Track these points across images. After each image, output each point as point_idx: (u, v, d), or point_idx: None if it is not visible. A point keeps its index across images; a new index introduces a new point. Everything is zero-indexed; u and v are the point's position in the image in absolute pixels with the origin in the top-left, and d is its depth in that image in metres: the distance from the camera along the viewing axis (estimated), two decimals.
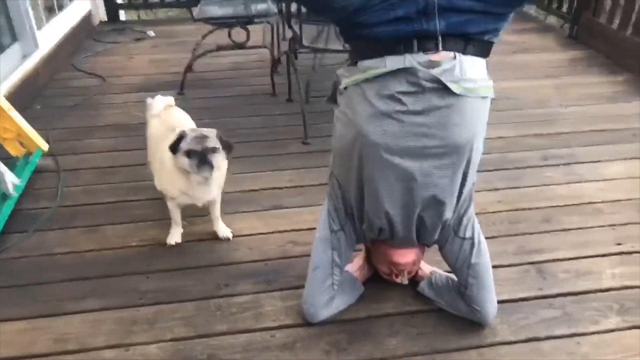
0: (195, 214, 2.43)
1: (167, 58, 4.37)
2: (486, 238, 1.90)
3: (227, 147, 2.05)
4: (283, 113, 3.42)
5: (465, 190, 1.65)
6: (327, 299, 1.83)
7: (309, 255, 1.90)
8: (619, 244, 2.26)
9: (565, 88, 3.72)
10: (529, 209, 2.49)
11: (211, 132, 2.02)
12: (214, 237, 2.31)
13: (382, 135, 1.51)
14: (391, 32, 1.45)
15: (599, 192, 2.60)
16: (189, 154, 1.96)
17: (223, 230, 2.29)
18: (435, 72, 1.47)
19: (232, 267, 2.15)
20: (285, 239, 2.29)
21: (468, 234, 1.75)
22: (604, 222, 2.39)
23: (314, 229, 1.88)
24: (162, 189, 2.20)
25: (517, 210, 2.48)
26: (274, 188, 2.64)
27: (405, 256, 1.80)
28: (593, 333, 1.85)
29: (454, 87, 1.46)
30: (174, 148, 1.98)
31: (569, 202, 2.53)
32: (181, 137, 1.99)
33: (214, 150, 1.98)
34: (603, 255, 2.20)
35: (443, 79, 1.46)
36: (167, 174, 2.10)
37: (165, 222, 2.39)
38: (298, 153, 2.96)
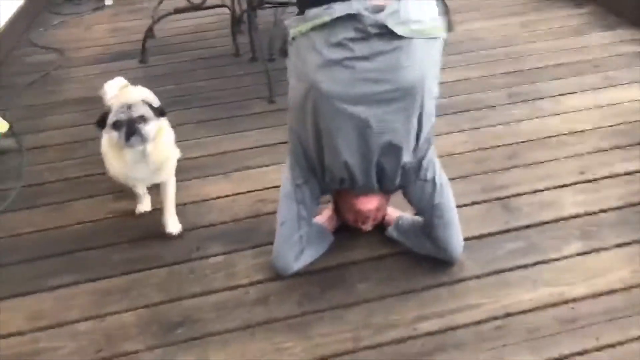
0: None
1: (127, 26, 4.25)
2: (453, 179, 1.93)
3: (159, 113, 1.92)
4: (247, 73, 3.37)
5: (423, 134, 1.65)
6: (296, 252, 1.85)
7: (277, 213, 1.91)
8: (582, 173, 2.30)
9: (530, 25, 3.69)
10: (495, 146, 2.51)
11: (138, 100, 1.88)
12: (186, 202, 2.30)
13: (334, 84, 1.50)
14: None
15: (563, 124, 2.63)
16: (115, 125, 1.83)
17: (172, 224, 2.09)
18: (380, 16, 1.45)
19: (203, 230, 2.16)
20: (254, 199, 2.30)
21: (429, 176, 1.76)
22: (568, 153, 2.42)
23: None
24: (109, 172, 2.07)
25: (483, 149, 2.50)
26: (240, 149, 2.63)
27: (368, 203, 1.82)
28: (556, 259, 1.91)
29: (399, 30, 1.44)
30: (101, 123, 1.85)
31: (533, 137, 2.55)
32: (107, 111, 1.87)
33: (142, 118, 1.83)
34: (566, 185, 2.24)
35: (388, 22, 1.44)
36: (105, 154, 2.00)
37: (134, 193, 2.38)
38: (264, 112, 2.94)
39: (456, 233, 1.85)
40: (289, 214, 1.81)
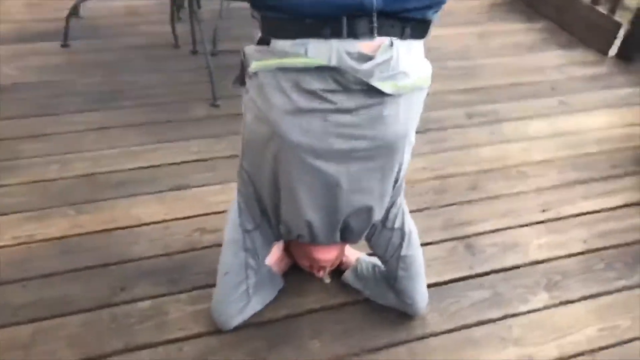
0: (86, 199, 2.07)
1: (45, 1, 3.72)
2: (412, 211, 1.73)
3: None
4: (187, 69, 3.01)
5: (396, 187, 1.44)
6: (240, 307, 1.60)
7: (219, 245, 1.64)
8: (544, 211, 2.19)
9: (486, 37, 3.58)
10: (455, 175, 2.36)
11: None
12: (110, 227, 1.97)
13: (303, 135, 1.23)
14: (316, 3, 1.13)
15: (522, 153, 2.52)
16: None
17: None
18: (366, 67, 1.17)
19: (129, 265, 1.85)
20: (191, 227, 2.00)
21: (397, 224, 1.56)
22: (529, 187, 2.31)
23: (225, 211, 1.62)
24: None
25: (443, 177, 2.34)
26: (178, 163, 2.31)
27: (327, 253, 1.59)
28: (523, 313, 1.78)
29: (386, 88, 1.19)
30: None
31: (494, 165, 2.42)
32: None
33: None
34: (529, 224, 2.13)
35: (374, 78, 1.17)
36: None
37: (46, 210, 2.02)
38: (206, 118, 2.62)
39: (421, 287, 1.67)
40: (234, 264, 1.54)
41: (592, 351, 1.67)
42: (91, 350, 1.58)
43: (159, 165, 2.30)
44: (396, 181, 1.40)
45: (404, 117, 1.26)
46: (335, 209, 1.36)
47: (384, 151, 1.28)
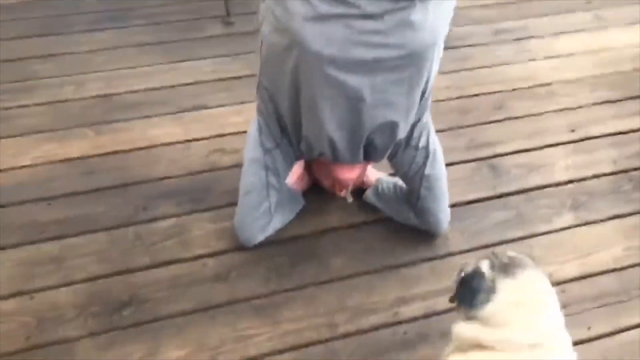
0: (103, 120, 2.05)
1: None
2: (436, 131, 1.68)
3: None
4: None
5: (422, 101, 1.37)
6: (263, 224, 1.60)
7: (239, 166, 1.63)
8: (572, 131, 2.12)
9: None
10: (480, 94, 2.27)
11: None
12: (129, 148, 1.96)
13: (326, 44, 1.16)
14: None
15: (552, 71, 2.40)
16: None
17: None
18: None
19: (150, 185, 1.85)
20: (210, 147, 1.98)
21: (422, 144, 1.51)
22: (558, 106, 2.22)
23: (245, 132, 1.59)
24: None
25: (467, 97, 2.25)
26: (193, 83, 2.25)
27: (349, 172, 1.56)
28: (545, 233, 1.76)
29: None
30: None
31: (521, 84, 2.32)
32: None
33: None
34: (557, 145, 2.06)
35: None
36: None
37: (64, 131, 2.01)
38: (219, 36, 2.52)
39: (444, 206, 1.65)
40: (255, 183, 1.52)
41: (618, 270, 1.66)
42: (119, 265, 1.61)
43: (173, 86, 2.24)
44: (423, 94, 1.34)
45: (433, 24, 1.18)
46: (358, 124, 1.31)
47: (410, 61, 1.21)
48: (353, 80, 1.21)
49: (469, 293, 1.07)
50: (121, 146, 1.97)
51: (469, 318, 1.07)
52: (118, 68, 2.30)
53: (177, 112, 2.12)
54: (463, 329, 1.06)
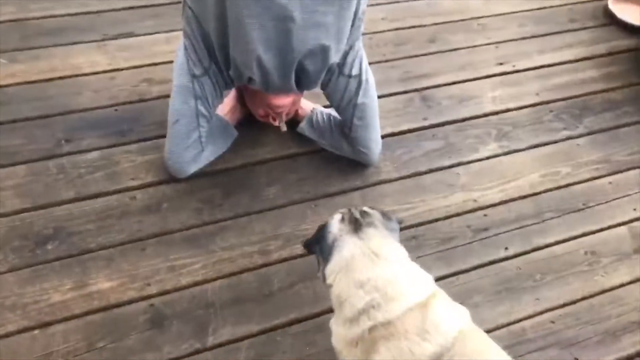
0: (19, 46, 1.90)
1: None
2: (371, 63, 1.69)
3: None
4: None
5: (355, 25, 1.35)
6: (194, 154, 1.57)
7: (168, 96, 1.57)
8: (500, 64, 2.18)
9: None
10: (415, 26, 2.27)
11: None
12: (48, 77, 1.83)
13: None
14: None
15: (484, 5, 2.43)
16: None
17: None
18: None
19: (73, 116, 1.75)
20: (138, 77, 1.89)
21: (354, 72, 1.51)
22: (488, 40, 2.27)
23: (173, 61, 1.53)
24: None
25: (402, 28, 2.25)
26: (118, 9, 2.10)
27: (282, 98, 1.54)
28: (472, 162, 1.84)
29: None
30: None
31: (455, 17, 2.34)
32: None
33: None
34: (486, 77, 2.12)
35: None
36: None
37: None
38: None
39: (376, 136, 1.67)
40: (184, 111, 1.48)
41: (534, 195, 1.77)
42: (41, 199, 1.54)
43: (96, 12, 2.09)
44: (354, 20, 1.32)
45: None
46: (288, 46, 1.28)
47: None
48: None
49: (316, 245, 1.16)
50: (40, 75, 1.85)
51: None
52: None
53: (102, 39, 1.99)
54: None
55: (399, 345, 0.99)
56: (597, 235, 1.69)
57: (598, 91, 2.12)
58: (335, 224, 1.15)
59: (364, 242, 1.09)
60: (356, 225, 1.12)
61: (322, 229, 1.16)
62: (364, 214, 1.16)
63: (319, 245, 1.15)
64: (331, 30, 1.29)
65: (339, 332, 1.08)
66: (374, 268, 1.06)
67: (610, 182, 1.84)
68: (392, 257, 1.10)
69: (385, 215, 1.20)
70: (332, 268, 1.11)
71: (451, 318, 1.04)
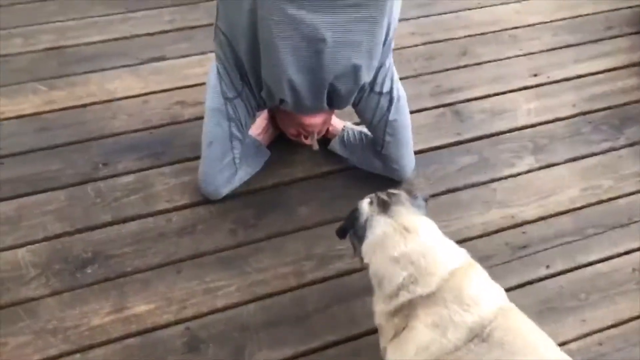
0: (57, 74, 1.96)
1: None
2: (401, 78, 1.67)
3: None
4: None
5: (386, 43, 1.34)
6: (227, 176, 1.58)
7: (201, 119, 1.59)
8: (534, 75, 2.13)
9: None
10: (444, 40, 2.25)
11: None
12: (85, 102, 1.88)
13: None
14: None
15: (514, 15, 2.39)
16: None
17: None
18: None
19: (109, 140, 1.79)
20: (171, 100, 1.92)
21: (385, 89, 1.50)
22: (521, 51, 2.23)
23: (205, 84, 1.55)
24: None
25: (432, 42, 2.23)
26: (151, 33, 2.15)
27: (314, 117, 1.53)
28: (508, 177, 1.80)
29: None
30: None
31: (485, 29, 2.31)
32: None
33: None
34: (519, 90, 2.08)
35: None
36: None
37: (14, 87, 1.92)
38: None
39: (408, 152, 1.65)
40: (218, 134, 1.49)
41: (575, 210, 1.71)
42: (80, 223, 1.57)
43: (130, 37, 2.15)
44: (386, 38, 1.31)
45: None
46: (319, 67, 1.28)
47: None
48: (312, 18, 1.17)
49: (350, 229, 1.22)
50: (77, 101, 1.90)
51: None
52: (70, 19, 2.18)
53: (135, 64, 2.04)
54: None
55: (439, 311, 1.01)
56: None
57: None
58: (365, 207, 1.19)
59: (394, 220, 1.13)
60: (385, 205, 1.16)
61: (353, 213, 1.21)
62: (390, 194, 1.21)
63: (352, 229, 1.20)
64: (362, 49, 1.29)
65: (381, 308, 1.11)
66: (407, 243, 1.10)
67: None
68: (422, 230, 1.13)
69: (412, 194, 1.25)
70: (367, 247, 1.15)
71: (490, 293, 1.06)
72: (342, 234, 1.26)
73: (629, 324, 1.47)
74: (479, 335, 0.98)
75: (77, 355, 1.34)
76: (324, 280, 1.51)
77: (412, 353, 1.01)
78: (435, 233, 1.15)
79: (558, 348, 1.03)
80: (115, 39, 2.12)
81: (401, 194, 1.21)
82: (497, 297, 1.07)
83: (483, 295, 1.04)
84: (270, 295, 1.48)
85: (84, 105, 1.89)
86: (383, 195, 1.19)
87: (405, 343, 1.03)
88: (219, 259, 1.54)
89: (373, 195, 1.22)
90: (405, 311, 1.04)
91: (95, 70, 2.00)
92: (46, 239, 1.54)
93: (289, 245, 1.58)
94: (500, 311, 1.03)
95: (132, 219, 1.60)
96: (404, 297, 1.05)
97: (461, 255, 1.12)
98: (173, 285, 1.47)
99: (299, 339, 1.40)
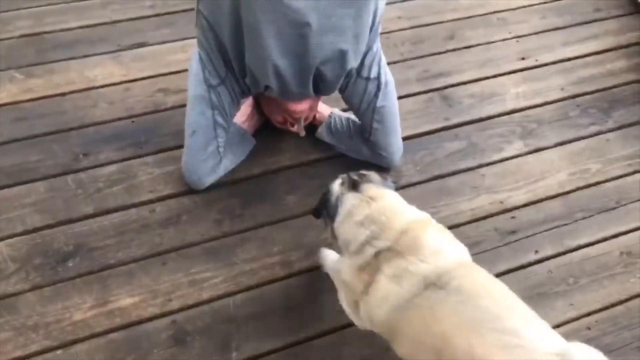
0: (35, 61, 1.90)
1: None
2: (388, 63, 1.64)
3: None
4: None
5: (373, 28, 1.31)
6: (212, 165, 1.54)
7: (184, 106, 1.55)
8: (522, 59, 2.11)
9: None
10: (432, 24, 2.21)
11: None
12: (65, 91, 1.83)
13: None
14: None
15: None
16: None
17: None
18: None
19: (89, 130, 1.74)
20: (153, 87, 1.87)
21: (373, 74, 1.46)
22: (509, 34, 2.20)
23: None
24: None
25: (420, 26, 2.19)
26: (131, 19, 2.09)
27: (300, 103, 1.50)
28: (497, 162, 1.78)
29: None
30: None
31: (473, 12, 2.27)
32: None
33: None
34: (508, 73, 2.05)
35: None
36: None
37: None
38: None
39: (396, 139, 1.63)
40: (201, 122, 1.45)
41: (563, 194, 1.70)
42: (61, 215, 1.54)
43: (110, 23, 2.08)
44: (373, 22, 1.28)
45: None
46: (305, 52, 1.24)
47: None
48: (297, 2, 1.13)
49: (323, 209, 1.26)
50: (56, 89, 1.84)
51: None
52: (47, 3, 2.11)
53: (116, 50, 1.98)
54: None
55: (398, 263, 1.08)
56: (631, 235, 1.63)
57: (628, 82, 2.04)
58: (336, 187, 1.25)
59: (362, 194, 1.20)
60: (355, 184, 1.22)
61: (325, 194, 1.26)
62: (361, 175, 1.26)
63: (325, 209, 1.25)
64: (348, 34, 1.25)
65: (347, 263, 1.17)
66: (370, 207, 1.17)
67: None
68: (387, 196, 1.20)
69: (382, 176, 1.29)
70: (337, 223, 1.21)
71: (451, 248, 1.12)
72: (316, 214, 1.31)
73: (617, 307, 1.48)
74: (435, 284, 1.02)
75: (59, 351, 1.31)
76: (312, 269, 1.49)
77: (375, 305, 1.08)
78: (399, 200, 1.21)
79: (520, 300, 1.04)
80: (95, 25, 2.06)
81: (372, 174, 1.26)
82: (459, 254, 1.12)
83: (442, 248, 1.10)
84: (257, 286, 1.45)
85: (63, 94, 1.83)
86: (354, 176, 1.24)
87: (372, 297, 1.09)
88: (205, 249, 1.51)
89: (345, 175, 1.26)
90: (373, 267, 1.10)
91: (74, 57, 1.94)
92: (25, 232, 1.50)
93: (276, 235, 1.56)
94: (461, 265, 1.08)
95: (115, 210, 1.56)
96: (368, 251, 1.11)
97: (424, 214, 1.19)
98: (158, 277, 1.44)
99: (287, 329, 1.39)
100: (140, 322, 1.37)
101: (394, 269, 1.07)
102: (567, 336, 1.38)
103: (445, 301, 0.99)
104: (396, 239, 1.10)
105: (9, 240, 1.48)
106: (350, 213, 1.17)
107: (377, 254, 1.10)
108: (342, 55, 1.29)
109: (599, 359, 0.93)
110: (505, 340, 0.91)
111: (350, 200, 1.19)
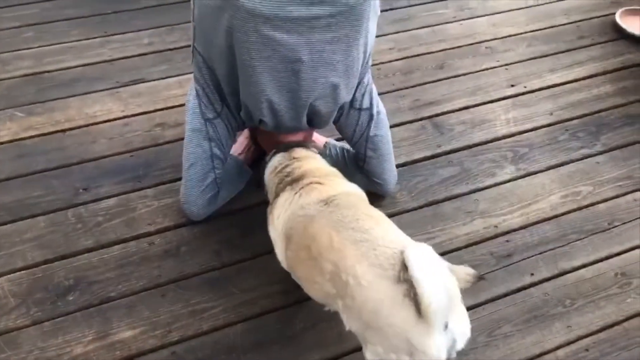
0: (35, 99, 1.95)
1: None
2: (380, 93, 1.69)
3: None
4: None
5: (363, 62, 1.36)
6: (210, 196, 1.57)
7: (182, 139, 1.59)
8: (512, 86, 2.17)
9: None
10: (422, 54, 2.28)
11: None
12: (65, 127, 1.87)
13: (260, 1, 1.12)
14: None
15: (490, 28, 2.44)
16: None
17: None
18: None
19: (89, 165, 1.78)
20: (151, 122, 1.91)
21: (365, 105, 1.51)
22: (497, 62, 2.27)
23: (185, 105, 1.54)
24: None
25: (410, 57, 2.26)
26: (129, 56, 2.16)
27: (295, 135, 1.54)
28: (490, 187, 1.81)
29: None
30: None
31: (462, 42, 2.35)
32: None
33: None
34: (497, 100, 2.11)
35: None
36: None
37: None
38: (155, 6, 2.41)
39: (390, 166, 1.66)
40: (199, 154, 1.49)
41: (556, 217, 1.73)
42: (62, 250, 1.55)
43: (109, 60, 2.15)
44: (364, 55, 1.33)
45: None
46: (298, 87, 1.29)
47: (346, 18, 1.19)
48: (290, 39, 1.18)
49: (261, 176, 1.45)
50: (56, 126, 1.89)
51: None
52: (48, 44, 2.18)
53: (115, 87, 2.04)
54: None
55: (300, 184, 1.30)
56: (626, 255, 1.65)
57: (614, 106, 2.10)
58: (271, 154, 1.45)
59: (288, 153, 1.40)
60: (287, 147, 1.41)
61: (263, 162, 1.46)
62: (300, 143, 1.45)
63: (263, 175, 1.44)
64: (340, 68, 1.30)
65: (269, 210, 1.37)
66: (292, 164, 1.36)
67: (635, 199, 1.79)
68: (310, 158, 1.39)
69: (315, 146, 1.54)
70: (265, 176, 1.43)
71: (344, 182, 1.35)
72: (257, 183, 1.50)
73: (614, 328, 1.48)
74: (326, 202, 1.23)
75: None
76: (310, 298, 1.50)
77: (276, 217, 1.32)
78: (322, 162, 1.40)
79: (383, 215, 1.26)
80: (94, 63, 2.12)
81: (308, 144, 1.47)
82: (350, 188, 1.34)
83: (338, 182, 1.34)
84: (257, 316, 1.46)
85: (64, 130, 1.87)
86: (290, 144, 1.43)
87: (274, 215, 1.33)
88: (204, 280, 1.52)
89: (281, 144, 1.45)
90: (279, 188, 1.33)
91: (74, 94, 1.99)
92: (26, 267, 1.51)
93: (274, 264, 1.55)
94: (347, 193, 1.30)
95: (115, 243, 1.58)
96: (281, 173, 1.35)
97: (335, 171, 1.39)
98: (158, 309, 1.45)
99: (288, 358, 1.39)
100: (140, 354, 1.37)
101: (293, 191, 1.28)
102: (567, 358, 1.42)
103: (323, 212, 1.21)
104: (299, 175, 1.31)
105: (10, 275, 1.49)
106: (274, 167, 1.38)
107: (280, 182, 1.33)
108: (334, 89, 1.34)
109: (429, 253, 1.07)
110: (356, 236, 1.13)
111: (277, 158, 1.40)
